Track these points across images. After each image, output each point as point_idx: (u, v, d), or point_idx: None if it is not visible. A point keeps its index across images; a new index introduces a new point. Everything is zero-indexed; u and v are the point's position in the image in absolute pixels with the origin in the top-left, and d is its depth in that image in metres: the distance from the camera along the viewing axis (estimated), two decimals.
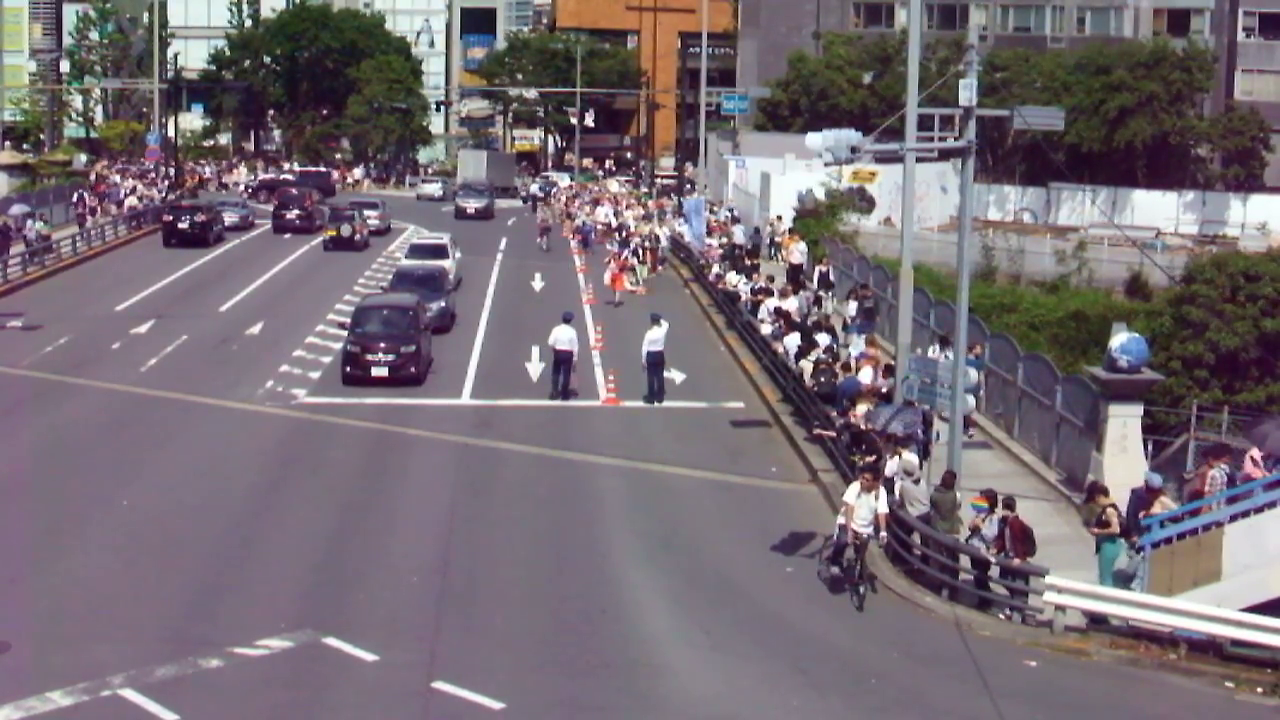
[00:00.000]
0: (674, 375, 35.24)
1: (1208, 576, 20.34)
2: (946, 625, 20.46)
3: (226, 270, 53.45)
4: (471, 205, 77.86)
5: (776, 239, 53.44)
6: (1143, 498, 21.62)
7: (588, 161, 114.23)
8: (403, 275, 43.34)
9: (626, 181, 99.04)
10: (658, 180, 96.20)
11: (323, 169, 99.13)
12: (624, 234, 58.57)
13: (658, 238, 56.17)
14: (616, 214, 66.61)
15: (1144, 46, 75.33)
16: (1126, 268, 50.15)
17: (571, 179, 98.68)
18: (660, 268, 54.30)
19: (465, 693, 17.14)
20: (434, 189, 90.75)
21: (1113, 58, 74.78)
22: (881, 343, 35.46)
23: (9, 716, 16.22)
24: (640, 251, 52.89)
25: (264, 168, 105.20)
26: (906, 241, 27.82)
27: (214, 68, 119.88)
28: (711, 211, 63.76)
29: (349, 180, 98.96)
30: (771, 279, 43.64)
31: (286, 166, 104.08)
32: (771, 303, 38.86)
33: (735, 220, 62.11)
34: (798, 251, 48.22)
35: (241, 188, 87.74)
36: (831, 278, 44.16)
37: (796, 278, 45.00)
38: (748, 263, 48.08)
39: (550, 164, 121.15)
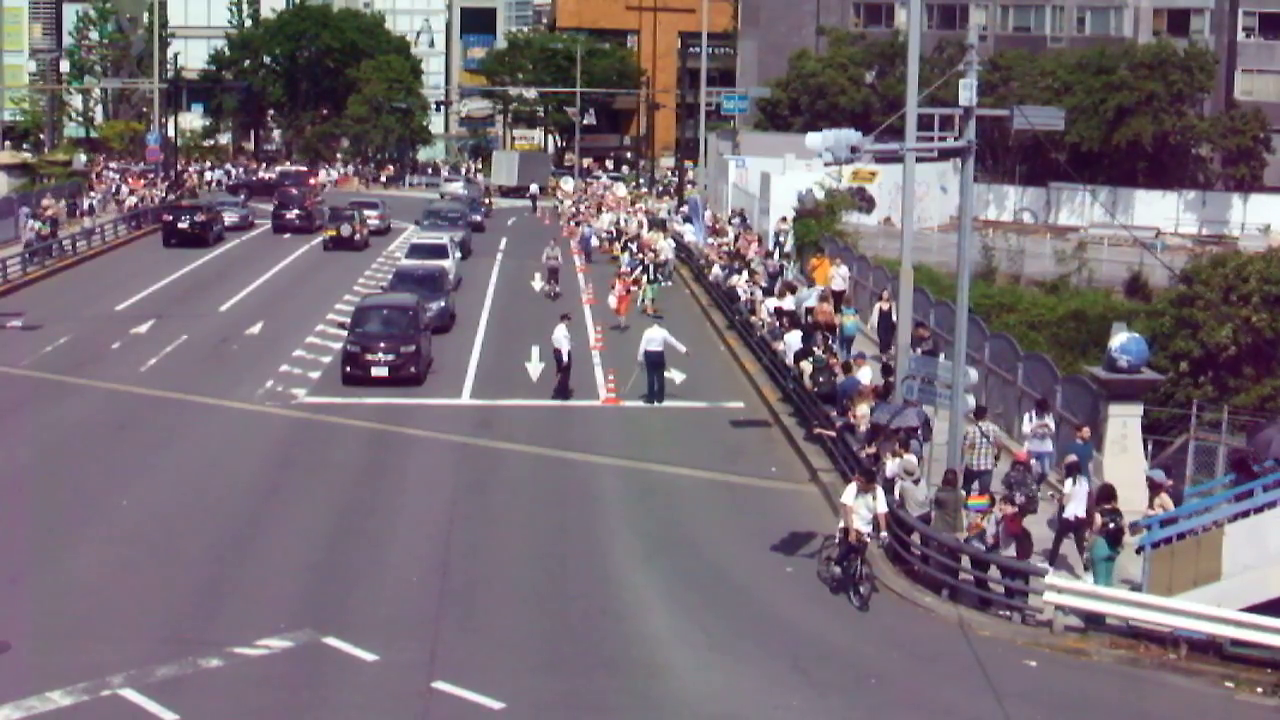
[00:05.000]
0: (674, 375, 35.23)
1: (1208, 576, 20.33)
2: (946, 625, 20.46)
3: (226, 270, 53.46)
4: (435, 241, 52.36)
5: (780, 240, 53.24)
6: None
7: (588, 161, 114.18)
8: (403, 275, 43.34)
9: (628, 181, 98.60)
10: (659, 182, 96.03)
11: (303, 168, 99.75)
12: (634, 248, 54.92)
13: (660, 252, 52.44)
14: (623, 220, 64.58)
15: (1148, 49, 75.33)
16: (1126, 268, 50.19)
17: (574, 182, 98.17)
18: (669, 282, 51.43)
19: (465, 693, 17.14)
20: (458, 188, 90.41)
21: (1114, 58, 74.82)
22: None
23: (9, 716, 16.22)
24: (651, 268, 49.37)
25: (265, 166, 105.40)
26: (907, 241, 27.83)
27: (214, 68, 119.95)
28: (730, 222, 63.00)
29: (322, 182, 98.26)
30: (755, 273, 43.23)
31: (277, 167, 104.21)
32: (771, 302, 38.87)
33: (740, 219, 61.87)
34: (839, 277, 41.94)
35: (219, 186, 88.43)
36: (894, 318, 34.10)
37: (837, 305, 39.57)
38: (740, 264, 47.68)
39: (549, 164, 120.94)
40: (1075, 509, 22.41)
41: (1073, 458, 23.54)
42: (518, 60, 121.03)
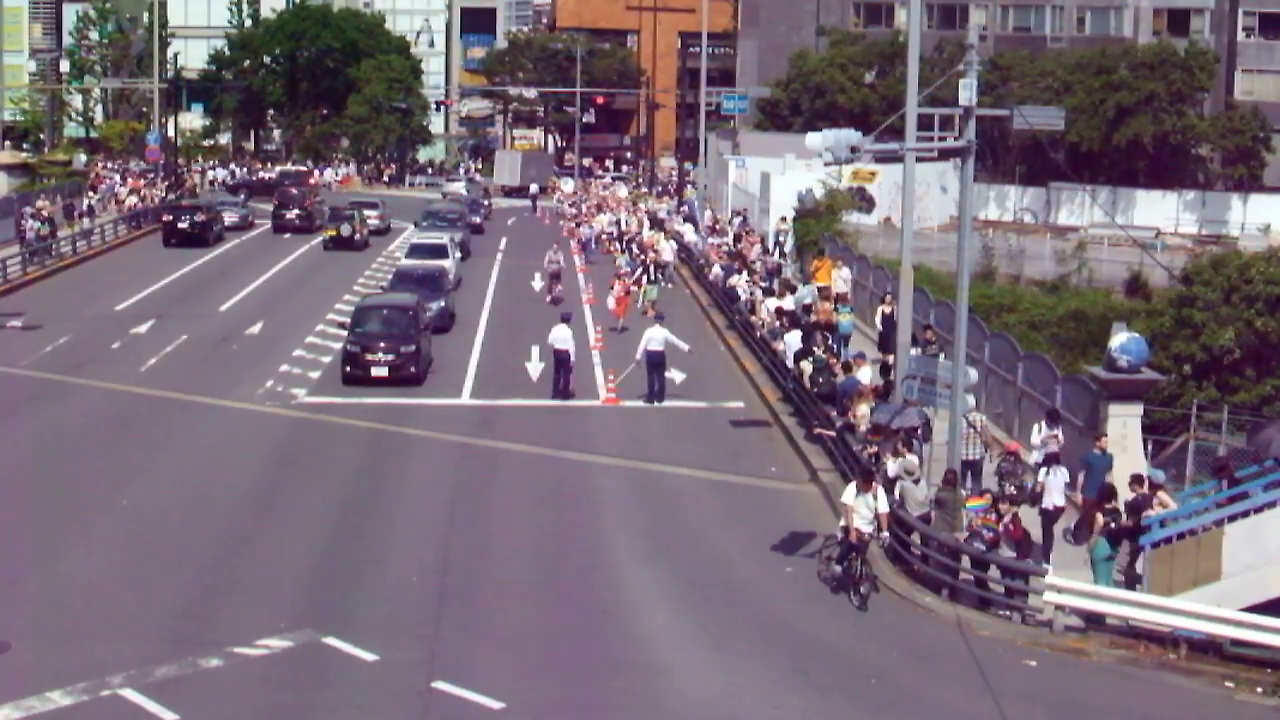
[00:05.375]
0: (674, 375, 35.23)
1: (1208, 576, 20.35)
2: (947, 625, 20.47)
3: (226, 270, 53.47)
4: (436, 241, 51.77)
5: (780, 240, 53.25)
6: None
7: (588, 161, 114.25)
8: (403, 275, 43.33)
9: (629, 183, 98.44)
10: (659, 182, 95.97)
11: (303, 168, 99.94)
12: (634, 249, 54.45)
13: (660, 253, 51.47)
14: (623, 221, 63.82)
15: (1148, 49, 75.36)
16: (1126, 268, 50.16)
17: (574, 183, 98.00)
18: (670, 284, 50.56)
19: (465, 693, 17.14)
20: (460, 188, 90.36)
21: (1114, 58, 74.84)
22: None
23: (9, 716, 16.22)
24: (651, 270, 48.44)
25: (267, 166, 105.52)
26: (906, 241, 27.83)
27: (214, 68, 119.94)
28: (729, 223, 62.78)
29: (327, 181, 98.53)
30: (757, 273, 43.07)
31: (277, 167, 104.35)
32: (772, 302, 38.84)
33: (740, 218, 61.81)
34: (840, 279, 41.10)
35: (223, 185, 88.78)
36: (896, 317, 33.31)
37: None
38: (741, 264, 47.57)
39: (553, 164, 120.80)
40: (1053, 499, 22.87)
41: (1054, 449, 23.93)
42: (518, 60, 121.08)
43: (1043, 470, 23.37)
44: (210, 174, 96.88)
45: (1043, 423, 25.44)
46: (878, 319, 36.98)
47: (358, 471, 27.57)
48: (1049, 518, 22.93)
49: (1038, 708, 17.88)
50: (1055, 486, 22.95)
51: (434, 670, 17.82)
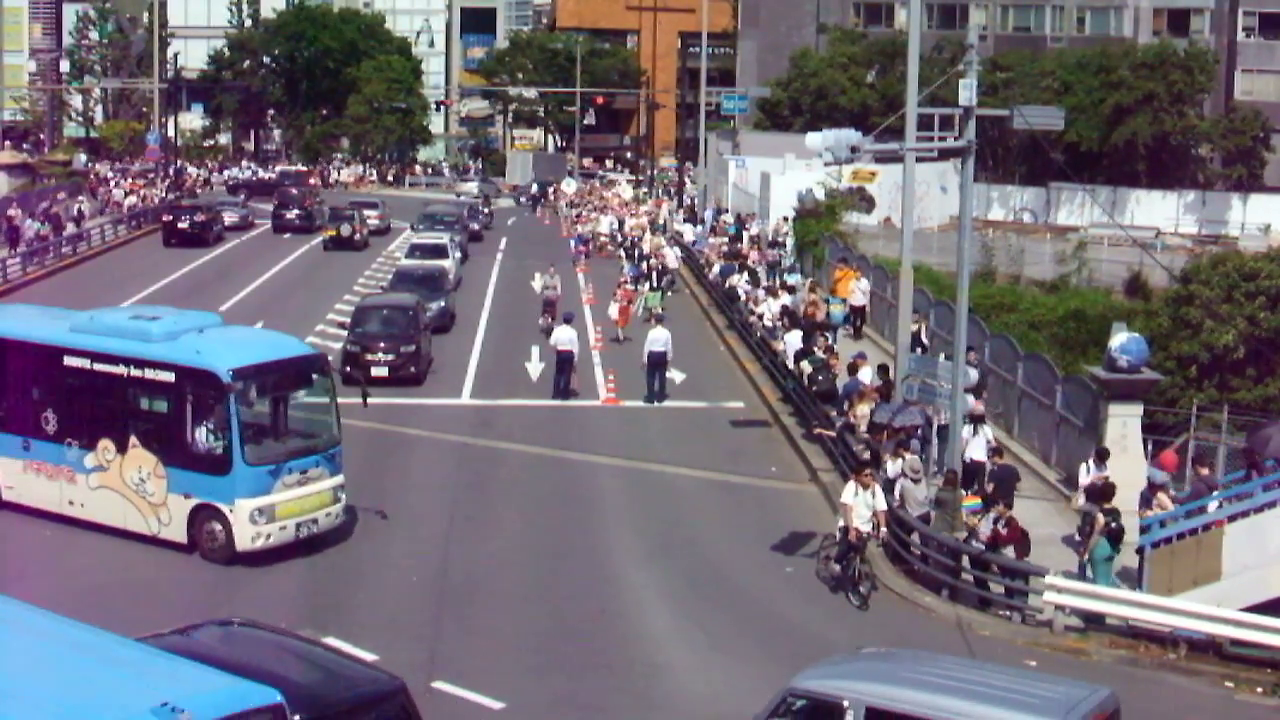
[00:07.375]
0: (674, 375, 35.22)
1: (1208, 576, 20.34)
2: (947, 625, 20.47)
3: (226, 270, 53.45)
4: (436, 241, 51.40)
5: (779, 239, 53.25)
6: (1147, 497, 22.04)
7: (588, 161, 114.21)
8: (403, 275, 43.34)
9: (631, 182, 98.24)
10: (658, 182, 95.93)
11: (302, 169, 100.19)
12: (636, 253, 53.70)
13: (664, 263, 50.20)
14: (622, 224, 62.89)
15: (1148, 49, 75.41)
16: (1126, 268, 50.16)
17: (575, 184, 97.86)
18: (672, 291, 48.80)
19: (465, 693, 17.14)
20: (472, 188, 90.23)
21: (1114, 58, 74.86)
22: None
23: None
24: (656, 276, 47.51)
25: (265, 167, 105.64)
26: (906, 241, 27.83)
27: (214, 68, 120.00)
28: (721, 220, 62.69)
29: (344, 181, 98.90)
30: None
31: (278, 167, 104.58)
32: (775, 303, 38.82)
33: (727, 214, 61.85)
34: (859, 292, 39.97)
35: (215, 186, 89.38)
36: (924, 337, 33.29)
37: (859, 322, 39.57)
38: (741, 263, 47.56)
39: (564, 164, 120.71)
40: (973, 453, 24.54)
41: (980, 409, 25.90)
42: (518, 60, 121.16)
43: (967, 429, 24.73)
44: (226, 173, 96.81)
45: (1090, 462, 23.86)
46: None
47: (357, 471, 27.48)
48: (968, 471, 24.01)
49: None
50: (978, 445, 24.59)
51: (434, 670, 17.82)
